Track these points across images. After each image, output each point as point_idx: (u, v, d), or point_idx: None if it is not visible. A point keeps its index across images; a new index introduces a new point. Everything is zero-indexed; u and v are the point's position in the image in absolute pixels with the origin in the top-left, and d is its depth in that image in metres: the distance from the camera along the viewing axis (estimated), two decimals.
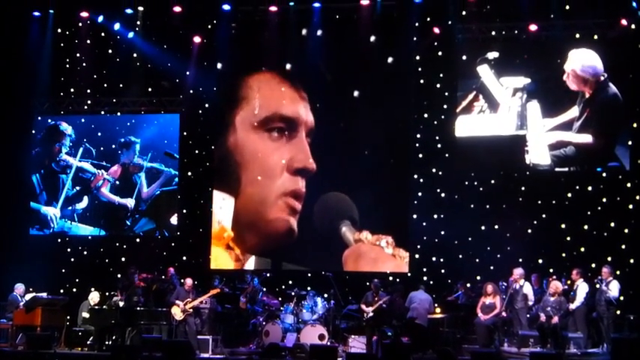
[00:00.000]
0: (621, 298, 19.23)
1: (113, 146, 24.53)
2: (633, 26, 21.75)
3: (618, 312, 19.26)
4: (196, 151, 24.38)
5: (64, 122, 24.76)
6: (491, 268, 21.69)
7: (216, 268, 23.33)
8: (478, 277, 21.43)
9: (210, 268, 23.42)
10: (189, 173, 24.39)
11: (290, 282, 22.58)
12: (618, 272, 19.96)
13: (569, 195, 22.15)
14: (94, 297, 21.19)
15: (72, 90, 24.87)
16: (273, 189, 23.35)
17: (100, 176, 24.36)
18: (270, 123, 23.58)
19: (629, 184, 21.83)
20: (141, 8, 24.01)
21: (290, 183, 23.25)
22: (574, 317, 19.23)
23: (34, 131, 24.87)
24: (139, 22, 24.17)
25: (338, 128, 23.43)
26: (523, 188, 22.35)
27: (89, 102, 24.84)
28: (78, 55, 24.71)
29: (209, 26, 24.14)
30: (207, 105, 24.35)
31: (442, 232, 22.62)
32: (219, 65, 24.16)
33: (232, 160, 23.80)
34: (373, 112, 23.04)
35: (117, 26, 24.22)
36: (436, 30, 23.01)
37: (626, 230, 21.66)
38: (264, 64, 24.05)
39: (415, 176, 23.03)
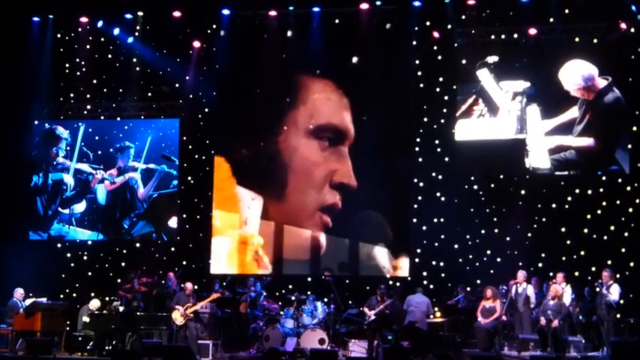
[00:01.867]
0: (621, 301, 19.21)
1: (111, 150, 24.55)
2: (633, 30, 21.75)
3: (618, 315, 19.22)
4: (196, 156, 24.36)
5: (60, 126, 24.75)
6: (492, 272, 21.67)
7: (219, 272, 23.35)
8: (478, 281, 21.42)
9: (210, 272, 23.44)
10: (189, 178, 24.37)
11: (290, 286, 22.56)
12: (618, 276, 19.97)
13: (569, 199, 22.17)
14: (94, 304, 21.16)
15: (72, 95, 24.88)
16: (313, 200, 23.23)
17: (97, 176, 24.34)
18: (323, 132, 23.44)
19: (628, 188, 21.85)
20: (140, 13, 24.03)
21: (329, 197, 23.10)
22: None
23: (33, 135, 24.85)
24: (138, 27, 24.17)
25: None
26: (523, 192, 22.37)
27: (89, 107, 24.85)
28: (77, 60, 24.69)
29: (209, 31, 24.12)
30: (207, 110, 24.34)
31: (442, 236, 22.63)
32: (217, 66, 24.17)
33: (279, 161, 23.61)
34: (373, 116, 23.02)
35: (116, 31, 24.24)
36: (436, 34, 23.01)
37: (626, 234, 21.68)
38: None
39: (415, 180, 23.02)
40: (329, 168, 23.16)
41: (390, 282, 22.32)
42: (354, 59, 23.29)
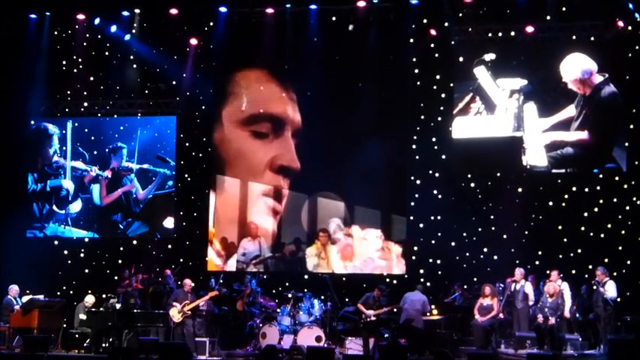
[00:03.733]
0: (618, 299, 19.22)
1: (107, 150, 24.54)
2: (630, 28, 21.76)
3: (615, 313, 19.20)
4: (193, 154, 24.35)
5: (50, 124, 24.74)
6: (488, 269, 21.69)
7: (213, 269, 23.38)
8: (475, 279, 21.39)
9: (208, 269, 23.43)
10: (186, 175, 24.36)
11: (287, 284, 22.54)
12: (615, 274, 19.95)
13: (566, 196, 22.17)
14: (89, 300, 21.16)
15: (68, 92, 24.87)
16: (254, 188, 23.52)
17: (92, 172, 24.34)
18: (257, 121, 23.66)
19: (625, 186, 21.85)
20: (137, 10, 24.01)
21: (272, 182, 23.41)
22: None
23: (29, 133, 24.85)
24: (135, 25, 24.16)
25: (334, 130, 23.39)
26: (520, 190, 22.37)
27: (85, 104, 24.83)
28: (74, 57, 24.66)
29: (205, 28, 24.11)
30: (203, 107, 24.33)
31: (439, 234, 22.65)
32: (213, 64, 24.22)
33: (218, 157, 23.91)
34: (369, 114, 23.00)
35: (113, 28, 24.20)
36: (433, 32, 23.01)
37: (623, 232, 21.70)
38: (256, 62, 24.05)
39: (412, 178, 23.02)
40: (267, 155, 23.52)
41: (387, 280, 22.30)
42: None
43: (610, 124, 21.85)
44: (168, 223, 24.08)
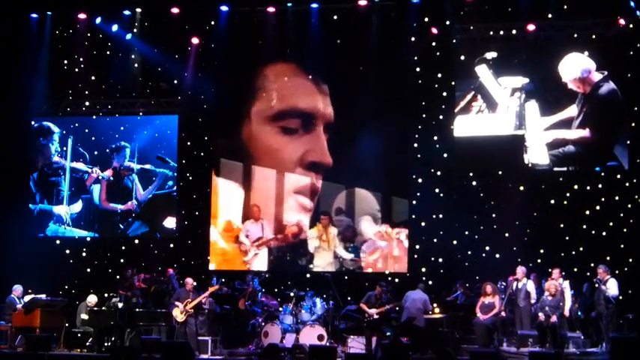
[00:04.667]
0: (620, 297, 19.22)
1: (107, 150, 24.56)
2: (631, 25, 21.75)
3: (617, 311, 19.19)
4: (195, 153, 24.36)
5: (51, 123, 24.76)
6: (490, 267, 21.66)
7: (217, 269, 23.44)
8: (477, 277, 21.39)
9: (209, 269, 23.44)
10: (188, 174, 24.36)
11: (289, 282, 22.56)
12: (617, 271, 19.95)
13: (568, 194, 22.17)
14: (91, 299, 21.17)
15: (70, 92, 24.86)
16: (285, 185, 23.50)
17: (93, 174, 24.36)
18: (286, 116, 23.63)
19: (627, 184, 21.85)
20: (139, 10, 24.02)
21: (303, 179, 23.38)
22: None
23: (31, 133, 24.86)
24: (136, 24, 24.17)
25: (334, 127, 23.41)
26: (522, 188, 22.37)
27: (87, 104, 24.84)
28: (76, 56, 24.68)
29: (207, 27, 24.11)
30: (205, 106, 24.33)
31: (441, 232, 22.66)
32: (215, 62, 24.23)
33: (246, 153, 23.84)
34: (371, 112, 23.00)
35: (115, 28, 24.21)
36: (434, 30, 23.01)
37: (625, 230, 21.69)
38: (278, 56, 24.01)
39: (414, 176, 23.02)
40: (297, 151, 23.47)
41: (389, 278, 22.31)
42: None
43: (610, 121, 21.84)
44: (169, 222, 24.08)
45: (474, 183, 22.77)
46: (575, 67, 21.81)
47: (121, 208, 24.30)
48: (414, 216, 22.90)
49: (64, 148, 24.64)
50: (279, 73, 23.97)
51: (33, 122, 24.86)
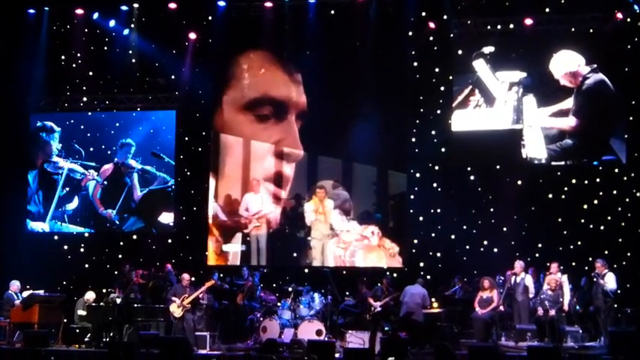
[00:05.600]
0: (618, 291, 19.23)
1: (103, 147, 24.52)
2: (629, 19, 21.75)
3: (616, 305, 19.21)
4: (192, 148, 24.35)
5: (50, 121, 24.73)
6: (488, 262, 21.65)
7: (214, 264, 23.43)
8: (475, 272, 21.37)
9: (208, 264, 23.44)
10: (186, 170, 24.36)
11: (287, 278, 22.55)
12: (615, 266, 19.95)
13: (566, 189, 22.18)
14: (89, 296, 21.15)
15: (67, 87, 24.83)
16: (255, 173, 23.64)
17: (89, 176, 24.35)
18: (259, 104, 23.68)
19: (625, 178, 21.85)
20: (136, 5, 23.99)
21: (274, 167, 23.50)
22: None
23: (29, 129, 24.83)
24: (134, 19, 24.14)
25: (333, 122, 23.38)
26: (519, 182, 22.37)
27: (85, 99, 24.81)
28: (73, 52, 24.65)
29: (204, 22, 24.09)
30: (203, 101, 24.31)
31: (439, 227, 22.67)
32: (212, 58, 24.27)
33: (219, 142, 23.93)
34: (368, 107, 22.98)
35: (112, 23, 24.20)
36: (432, 25, 22.99)
37: (623, 224, 21.71)
38: (259, 45, 24.02)
39: (412, 171, 23.02)
40: (269, 139, 23.61)
41: (387, 272, 22.29)
42: None
43: (600, 111, 21.80)
44: (164, 218, 24.07)
45: (472, 177, 22.77)
46: (564, 63, 21.82)
47: (105, 213, 24.33)
48: (411, 210, 22.89)
49: (60, 146, 24.61)
50: (257, 63, 24.12)
51: (31, 118, 24.81)
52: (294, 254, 23.36)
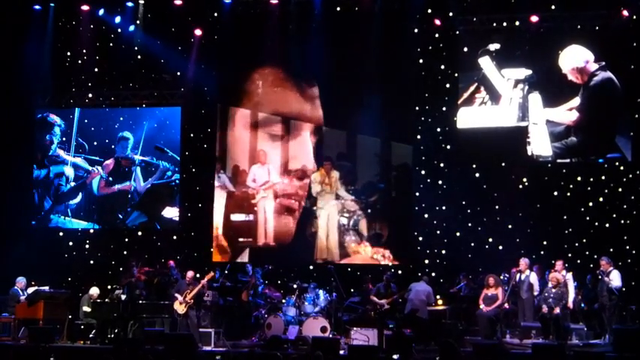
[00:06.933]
0: (623, 289, 19.22)
1: (107, 141, 24.56)
2: (635, 17, 21.71)
3: (620, 303, 19.19)
4: (197, 144, 24.36)
5: (53, 114, 24.79)
6: (493, 259, 21.66)
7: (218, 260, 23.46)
8: (480, 269, 21.38)
9: (213, 260, 23.47)
10: (191, 166, 24.37)
11: (292, 274, 22.57)
12: (620, 263, 19.95)
13: (571, 186, 22.17)
14: (93, 292, 21.17)
15: (73, 83, 24.84)
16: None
17: (95, 173, 24.40)
18: (271, 121, 23.75)
19: (630, 175, 21.82)
20: (142, 1, 23.99)
21: (288, 183, 23.56)
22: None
23: (34, 125, 24.89)
24: (139, 15, 24.13)
25: (338, 121, 23.41)
26: (525, 180, 22.36)
27: (90, 95, 24.82)
28: (79, 48, 24.65)
29: (210, 19, 24.08)
30: (208, 98, 24.33)
31: (444, 224, 22.67)
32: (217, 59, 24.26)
33: (231, 158, 24.00)
34: (374, 104, 22.95)
35: (118, 19, 24.20)
36: (437, 22, 22.96)
37: (628, 221, 21.68)
38: (267, 59, 24.00)
39: (417, 168, 23.02)
40: (282, 156, 23.81)
41: (392, 270, 22.28)
42: None
43: (606, 108, 21.74)
44: (168, 212, 24.10)
45: (477, 175, 22.75)
46: (573, 58, 21.74)
47: (119, 187, 24.31)
48: (417, 208, 22.89)
49: (64, 139, 24.64)
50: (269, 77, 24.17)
51: (37, 113, 24.85)
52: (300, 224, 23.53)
